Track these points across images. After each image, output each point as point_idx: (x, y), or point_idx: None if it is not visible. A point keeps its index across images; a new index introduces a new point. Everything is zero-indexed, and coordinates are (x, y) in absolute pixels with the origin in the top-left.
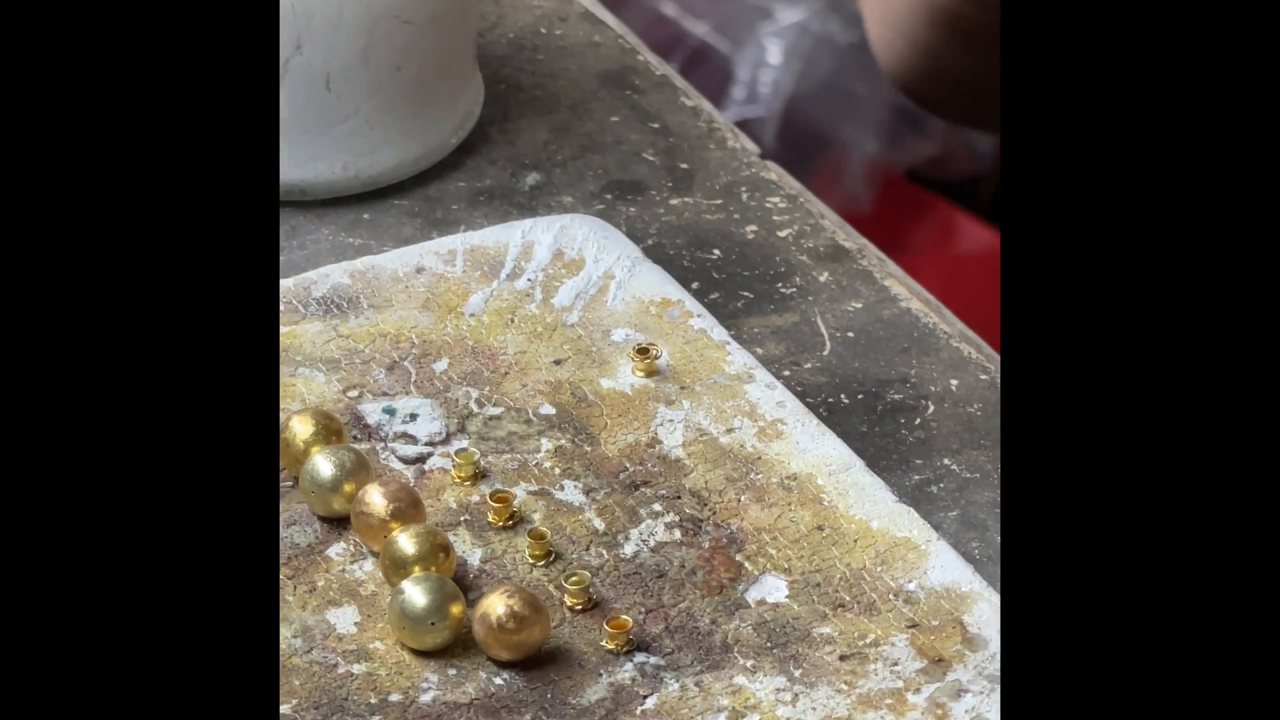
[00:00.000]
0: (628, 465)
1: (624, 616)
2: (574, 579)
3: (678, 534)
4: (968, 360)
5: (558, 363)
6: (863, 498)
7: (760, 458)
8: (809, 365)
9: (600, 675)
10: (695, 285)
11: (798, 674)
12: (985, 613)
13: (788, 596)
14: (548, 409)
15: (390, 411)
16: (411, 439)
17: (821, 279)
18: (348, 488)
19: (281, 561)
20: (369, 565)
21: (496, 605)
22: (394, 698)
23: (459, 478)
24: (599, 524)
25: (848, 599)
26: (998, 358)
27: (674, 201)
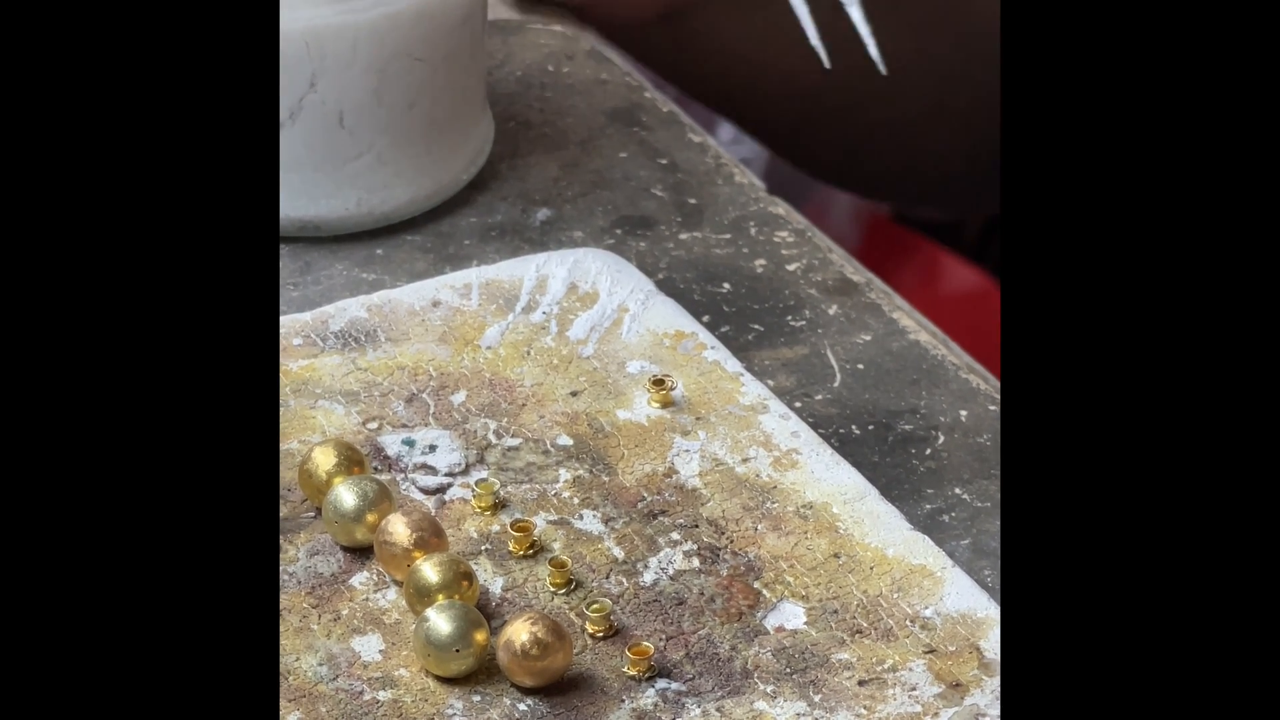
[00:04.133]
0: (645, 495)
1: (645, 643)
2: (595, 606)
3: (696, 562)
4: (976, 391)
5: (574, 394)
6: (878, 526)
7: (776, 487)
8: (820, 397)
9: (623, 701)
10: (706, 318)
11: (817, 699)
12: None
13: (806, 623)
14: (565, 440)
15: (410, 443)
16: (431, 470)
17: (830, 312)
18: (370, 518)
19: (306, 591)
20: (392, 594)
21: (520, 632)
22: None
23: (479, 508)
24: (618, 552)
25: (865, 625)
26: None
27: (683, 236)
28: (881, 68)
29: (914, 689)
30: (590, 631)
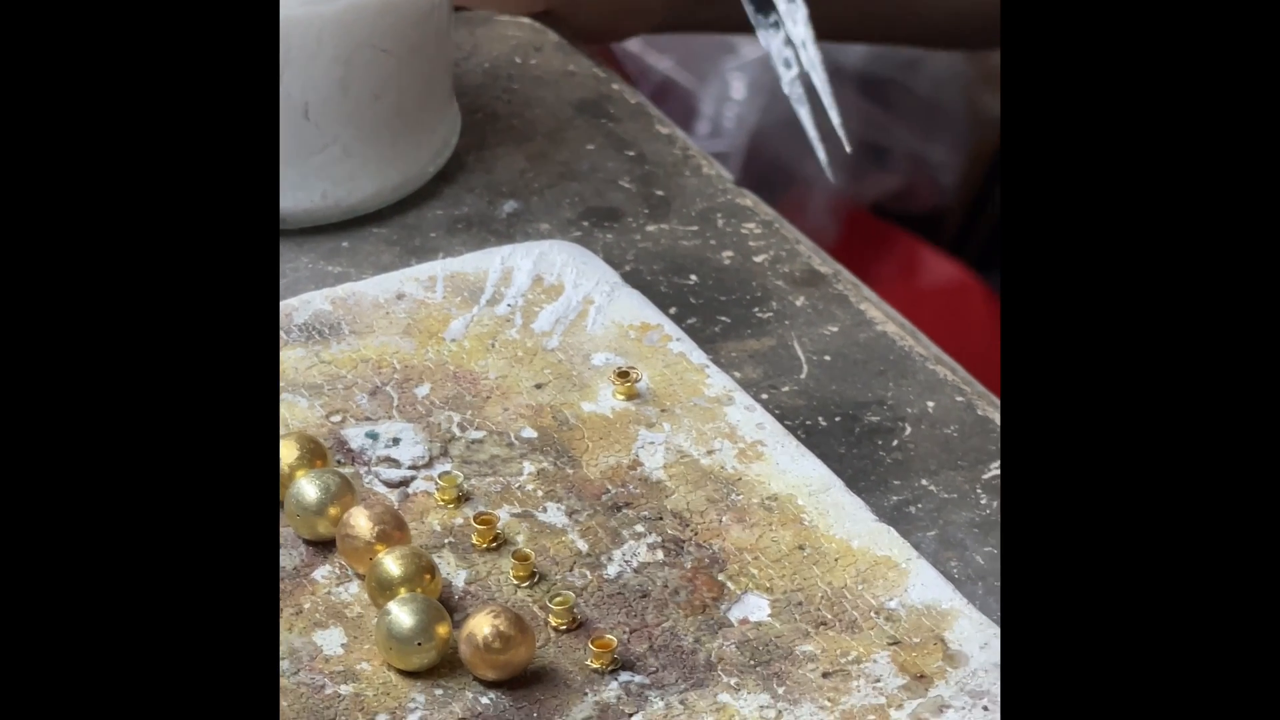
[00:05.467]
0: (610, 487)
1: (608, 636)
2: (558, 599)
3: (660, 554)
4: (944, 382)
5: (539, 387)
6: (843, 517)
7: (741, 479)
8: (786, 388)
9: (586, 694)
10: (673, 310)
11: (781, 691)
12: (966, 629)
13: (770, 615)
14: (529, 432)
15: (373, 436)
16: (395, 463)
17: (798, 303)
18: (333, 511)
19: None
20: (355, 587)
21: (482, 625)
22: (381, 718)
23: (442, 501)
24: (582, 545)
25: (829, 617)
26: (973, 380)
27: (650, 228)
28: (847, 146)
29: (878, 681)
30: (553, 624)
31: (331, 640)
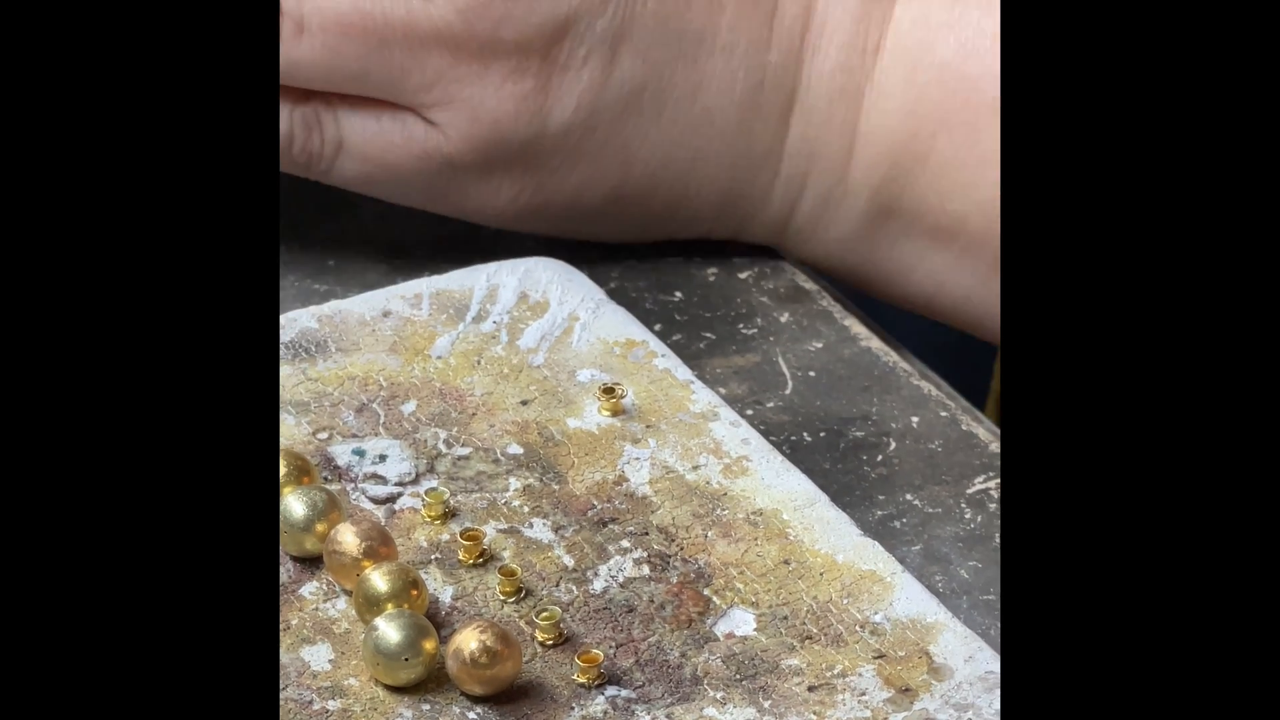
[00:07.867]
0: (595, 503)
1: (595, 651)
2: (545, 614)
3: (646, 569)
4: (928, 398)
5: (525, 403)
6: (828, 532)
7: (726, 494)
8: (771, 404)
9: (573, 708)
10: (657, 327)
11: (767, 705)
12: (950, 643)
13: (756, 629)
14: (515, 448)
15: (360, 453)
16: (381, 479)
17: (782, 319)
18: (320, 527)
19: None
20: (342, 603)
21: (469, 641)
22: None
23: (429, 517)
24: (568, 560)
25: (815, 631)
26: (958, 395)
27: (635, 244)
28: None
29: (863, 694)
30: (540, 639)
31: (319, 656)
